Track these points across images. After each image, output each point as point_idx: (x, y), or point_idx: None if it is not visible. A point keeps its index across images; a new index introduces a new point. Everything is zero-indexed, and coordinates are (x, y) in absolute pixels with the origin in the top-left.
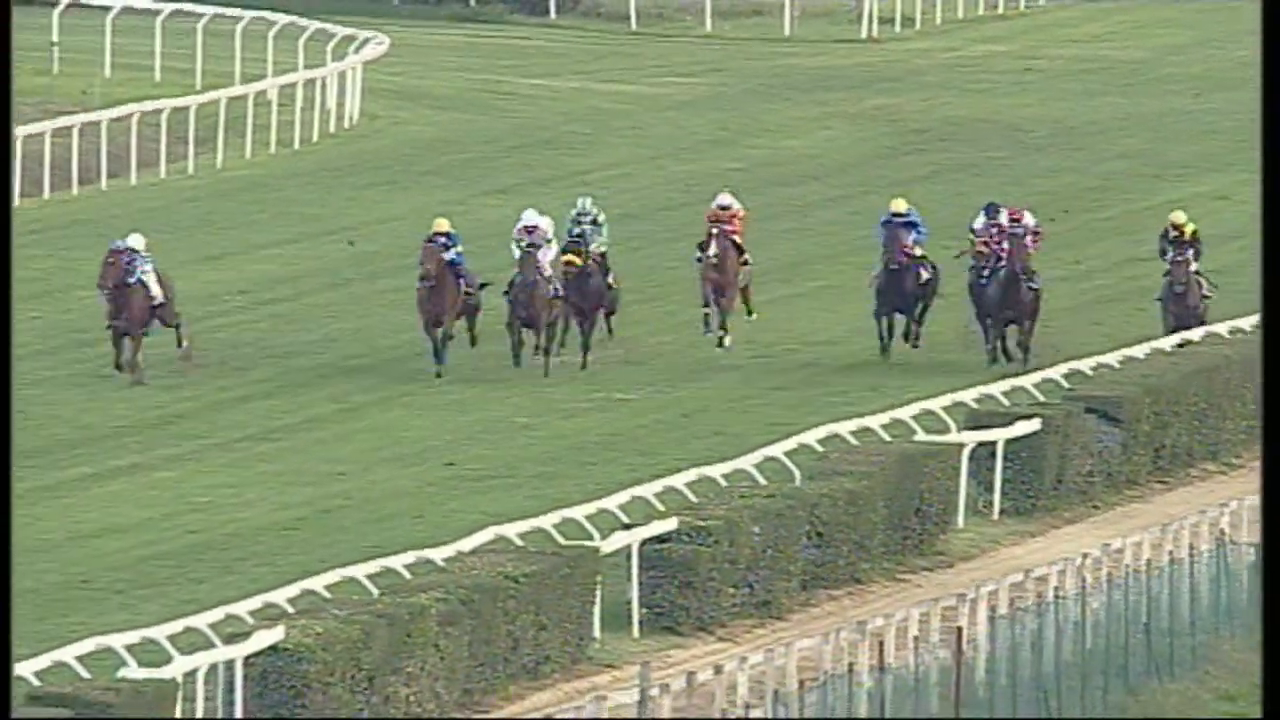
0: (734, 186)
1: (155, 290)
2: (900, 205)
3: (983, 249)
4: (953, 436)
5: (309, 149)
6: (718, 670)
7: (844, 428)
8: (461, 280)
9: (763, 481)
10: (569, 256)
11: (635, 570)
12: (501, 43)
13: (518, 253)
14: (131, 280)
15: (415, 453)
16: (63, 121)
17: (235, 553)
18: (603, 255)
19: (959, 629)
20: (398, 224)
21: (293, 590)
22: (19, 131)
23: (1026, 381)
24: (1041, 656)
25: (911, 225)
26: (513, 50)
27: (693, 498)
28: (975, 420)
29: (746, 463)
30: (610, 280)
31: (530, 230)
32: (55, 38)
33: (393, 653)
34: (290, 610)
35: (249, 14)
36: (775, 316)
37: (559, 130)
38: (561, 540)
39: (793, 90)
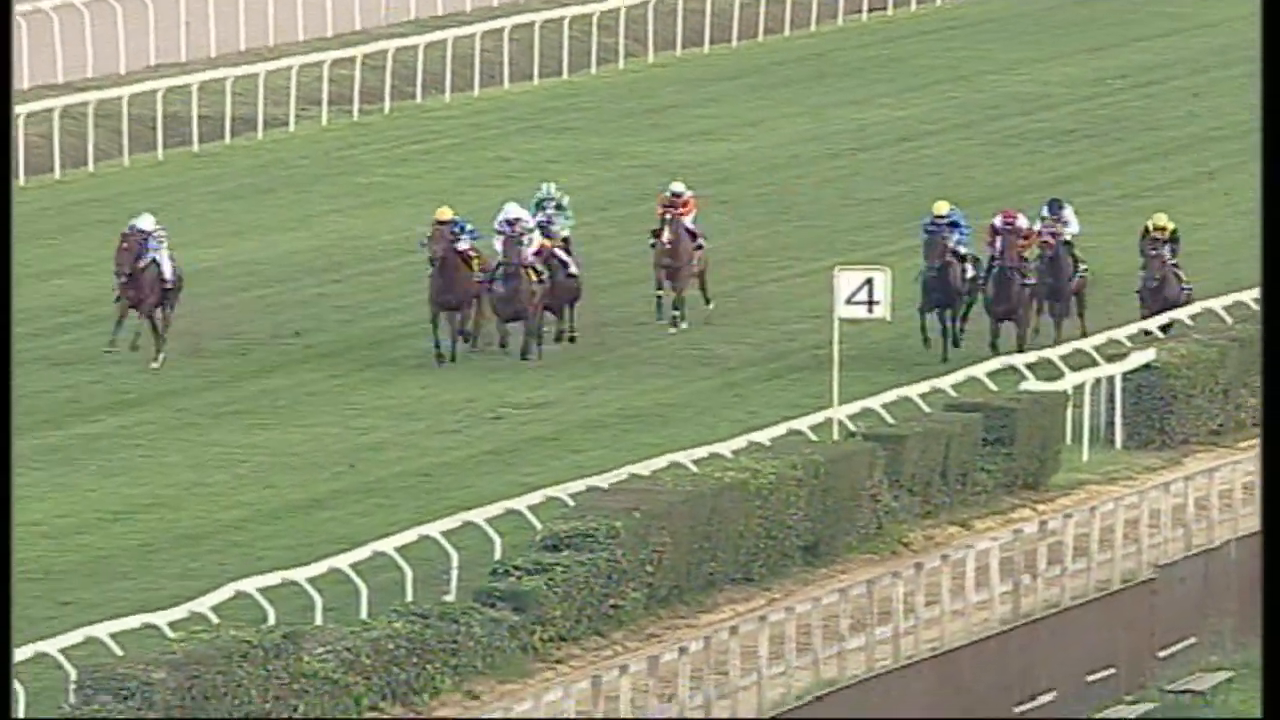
0: None
1: (168, 273)
2: (942, 208)
3: (1044, 243)
4: None
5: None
6: None
7: None
8: (473, 264)
9: None
10: (541, 241)
11: None
12: None
13: (499, 243)
14: (144, 261)
15: None
16: None
17: (1115, 289)
18: (566, 240)
19: None
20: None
21: (1163, 319)
22: None
23: None
24: None
25: (955, 226)
26: None
27: None
28: None
29: None
30: (572, 269)
31: (512, 223)
32: None
33: (1243, 370)
34: (1160, 335)
35: None
36: None
37: None
38: None
39: None
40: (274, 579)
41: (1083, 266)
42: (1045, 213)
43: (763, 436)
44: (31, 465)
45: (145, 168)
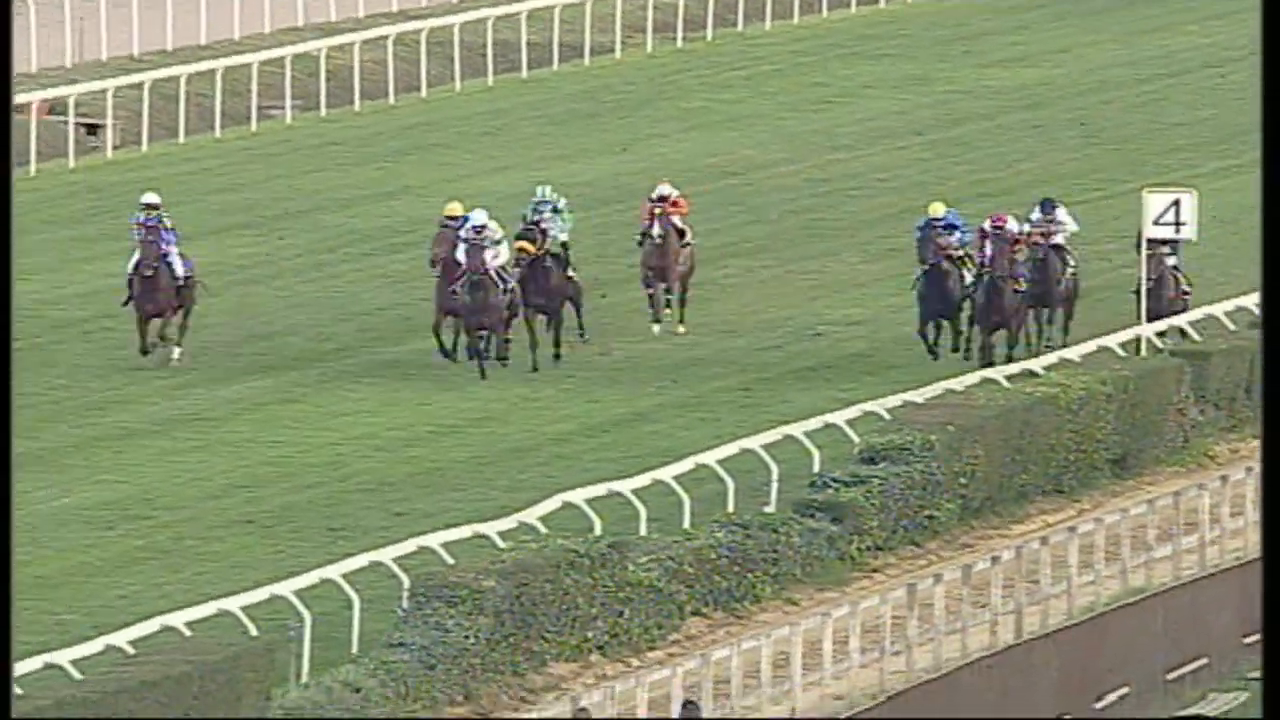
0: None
1: (180, 270)
2: (938, 209)
3: (1034, 244)
4: None
5: None
6: None
7: None
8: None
9: None
10: (522, 243)
11: None
12: None
13: (461, 252)
14: (158, 264)
15: None
16: None
17: None
18: (564, 245)
19: None
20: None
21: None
22: None
23: None
24: None
25: (952, 228)
26: None
27: None
28: None
29: None
30: (569, 271)
31: (479, 230)
32: None
33: None
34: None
35: None
36: None
37: None
38: None
39: None
40: (600, 490)
41: (1071, 269)
42: (1036, 213)
43: (1073, 353)
44: (365, 381)
45: (475, 93)
